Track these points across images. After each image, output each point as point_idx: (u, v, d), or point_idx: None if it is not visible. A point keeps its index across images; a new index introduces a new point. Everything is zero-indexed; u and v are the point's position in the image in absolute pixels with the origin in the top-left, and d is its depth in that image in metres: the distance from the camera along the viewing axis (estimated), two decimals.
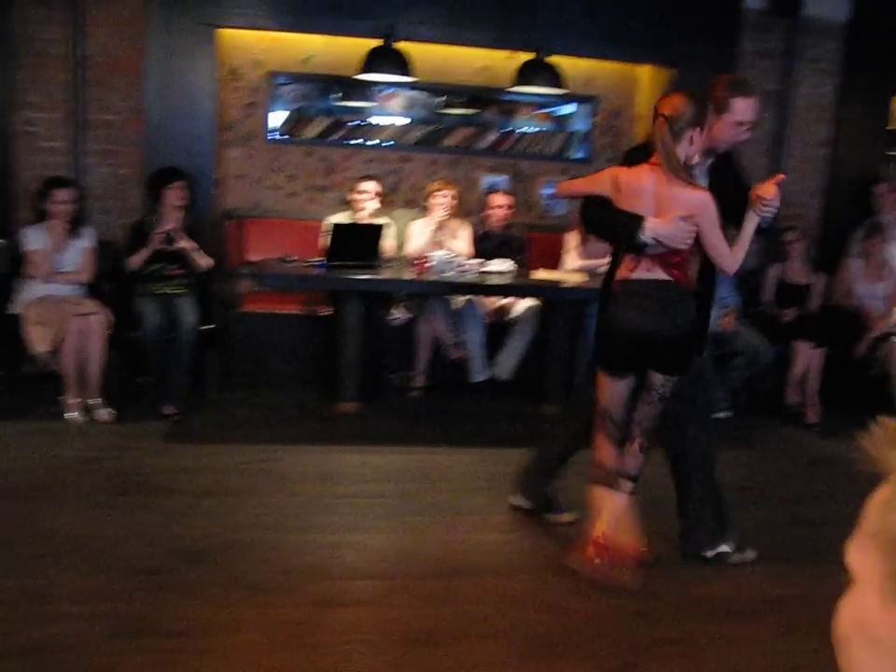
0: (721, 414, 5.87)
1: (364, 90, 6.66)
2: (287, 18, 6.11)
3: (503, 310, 6.16)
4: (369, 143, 6.75)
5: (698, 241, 3.34)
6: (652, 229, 3.26)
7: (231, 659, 2.80)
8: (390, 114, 6.82)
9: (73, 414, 5.10)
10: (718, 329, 5.81)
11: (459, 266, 5.68)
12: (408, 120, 6.84)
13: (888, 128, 7.19)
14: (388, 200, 6.51)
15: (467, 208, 6.53)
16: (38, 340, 5.13)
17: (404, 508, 4.16)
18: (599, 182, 3.49)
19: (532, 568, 3.62)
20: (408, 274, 5.66)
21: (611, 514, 3.49)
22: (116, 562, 3.40)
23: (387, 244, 6.09)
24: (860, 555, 0.71)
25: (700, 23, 6.52)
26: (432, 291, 5.80)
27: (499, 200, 6.31)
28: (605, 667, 2.93)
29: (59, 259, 5.39)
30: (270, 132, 6.58)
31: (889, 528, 0.68)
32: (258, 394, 5.84)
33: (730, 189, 3.40)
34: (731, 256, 3.39)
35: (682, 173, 3.27)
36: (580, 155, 7.11)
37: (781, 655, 3.05)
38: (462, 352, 5.97)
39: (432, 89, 6.76)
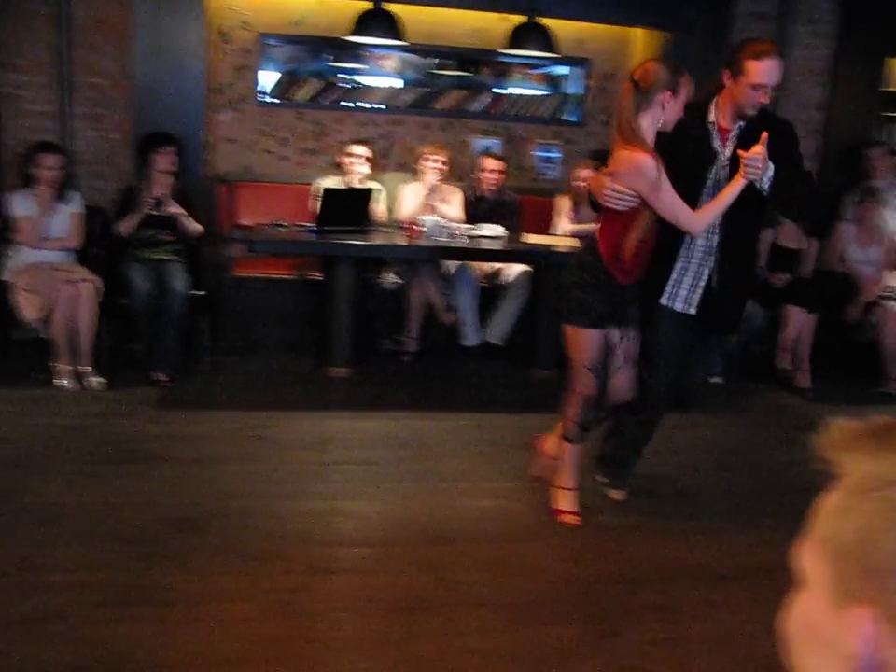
0: (715, 379, 5.89)
1: (356, 52, 6.59)
2: None
3: (495, 274, 6.15)
4: (360, 105, 6.69)
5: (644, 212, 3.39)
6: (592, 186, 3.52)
7: (221, 628, 2.82)
8: (382, 75, 6.75)
9: (63, 382, 5.09)
10: None
11: (451, 231, 5.66)
12: (400, 83, 6.78)
13: (882, 89, 7.14)
14: (380, 164, 6.47)
15: (459, 172, 6.49)
16: (28, 307, 5.11)
17: (395, 474, 4.17)
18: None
19: (521, 535, 3.65)
20: (399, 239, 5.64)
21: (571, 465, 3.75)
22: (105, 531, 3.42)
23: (378, 208, 6.06)
24: (809, 559, 0.72)
25: None
26: (424, 256, 5.78)
27: (491, 164, 6.27)
28: (591, 633, 2.96)
29: (46, 226, 5.35)
30: (260, 94, 6.52)
31: (839, 535, 0.69)
32: (249, 360, 5.83)
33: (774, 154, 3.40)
34: (691, 216, 3.43)
35: (630, 135, 3.31)
36: (573, 118, 7.06)
37: (764, 621, 3.07)
38: (454, 316, 5.97)
39: (424, 51, 6.69)
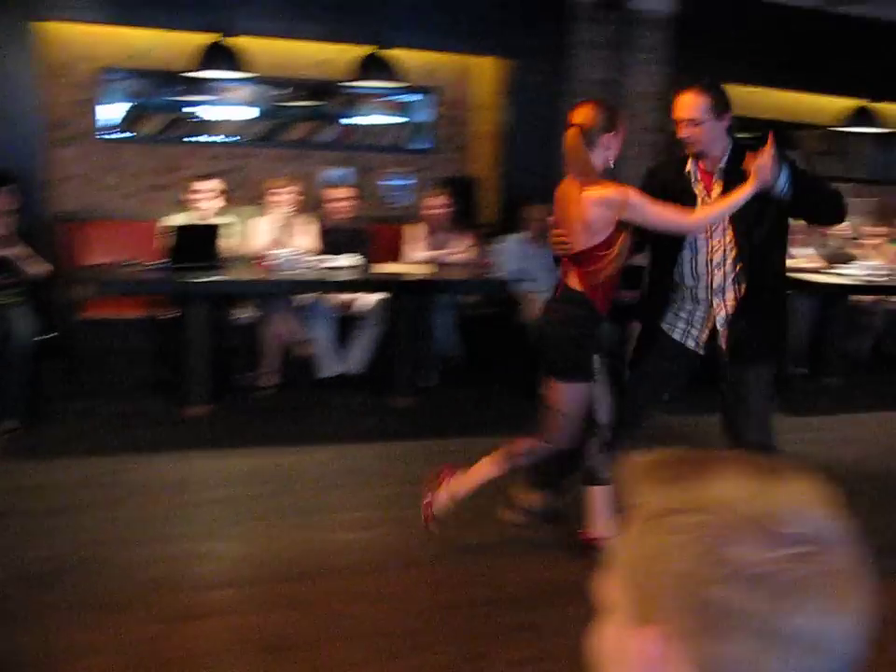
0: None
1: (203, 84, 6.52)
2: (114, 10, 5.92)
3: (351, 304, 6.18)
4: (210, 139, 6.62)
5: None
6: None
7: None
8: (232, 106, 6.70)
9: None
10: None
11: (304, 263, 5.66)
12: (250, 115, 6.75)
13: None
14: (233, 197, 6.40)
15: (312, 203, 6.49)
16: None
17: (257, 511, 4.14)
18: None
19: (384, 565, 3.67)
20: (253, 274, 5.60)
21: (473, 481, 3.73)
22: None
23: (231, 242, 6.00)
24: (610, 585, 0.78)
25: (534, 15, 6.69)
26: (278, 291, 5.76)
27: (339, 193, 6.30)
28: (459, 657, 3.01)
29: None
30: (105, 130, 6.37)
31: (632, 561, 0.75)
32: (104, 403, 5.65)
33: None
34: (682, 218, 3.45)
35: (592, 174, 3.40)
36: (424, 146, 7.17)
37: None
38: (311, 348, 5.96)
39: (271, 83, 6.69)
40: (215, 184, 6.03)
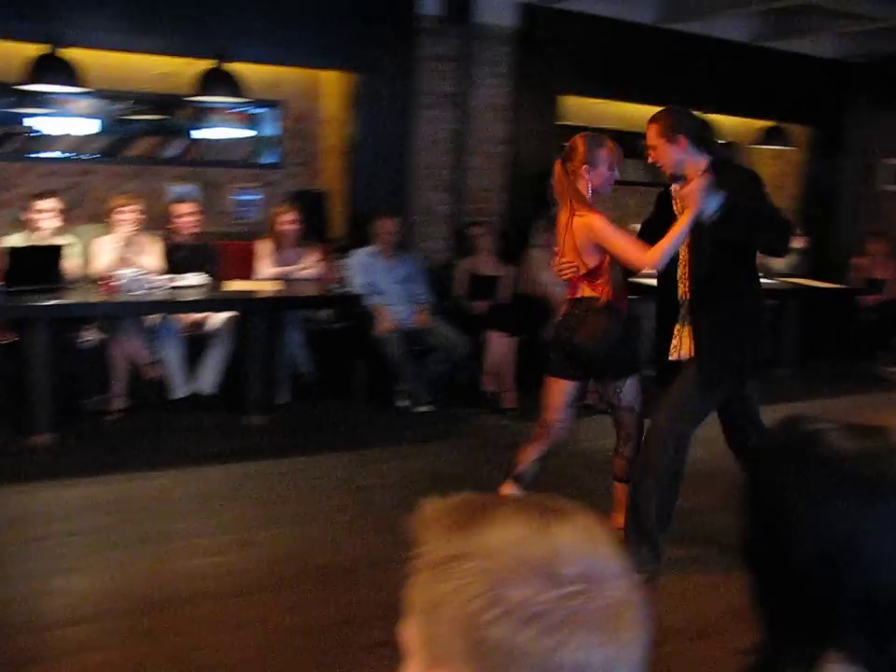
0: (424, 408, 6.10)
1: (39, 97, 6.23)
2: None
3: (200, 323, 6.05)
4: (45, 155, 6.36)
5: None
6: None
7: None
8: (71, 120, 6.45)
9: None
10: (412, 325, 6.06)
11: (150, 283, 5.51)
12: (88, 130, 6.51)
13: (558, 123, 7.69)
14: (72, 215, 6.15)
15: (155, 221, 6.30)
16: None
17: (104, 543, 3.98)
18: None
19: (240, 590, 3.60)
20: (96, 296, 5.42)
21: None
22: None
23: (72, 263, 5.78)
24: (407, 632, 0.81)
25: (379, 29, 6.70)
26: (123, 312, 5.59)
27: (184, 209, 6.16)
28: None
29: None
30: None
31: (420, 607, 0.79)
32: None
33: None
34: (637, 253, 3.62)
35: (577, 204, 3.75)
36: (271, 160, 7.09)
37: None
38: (160, 369, 5.80)
39: (110, 97, 6.48)
40: (53, 202, 5.79)
